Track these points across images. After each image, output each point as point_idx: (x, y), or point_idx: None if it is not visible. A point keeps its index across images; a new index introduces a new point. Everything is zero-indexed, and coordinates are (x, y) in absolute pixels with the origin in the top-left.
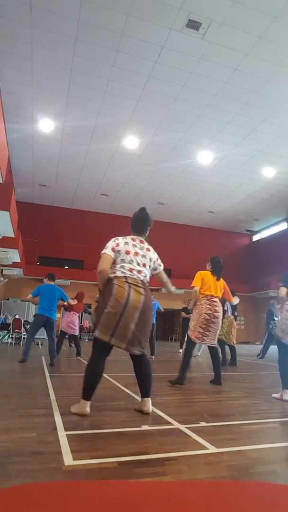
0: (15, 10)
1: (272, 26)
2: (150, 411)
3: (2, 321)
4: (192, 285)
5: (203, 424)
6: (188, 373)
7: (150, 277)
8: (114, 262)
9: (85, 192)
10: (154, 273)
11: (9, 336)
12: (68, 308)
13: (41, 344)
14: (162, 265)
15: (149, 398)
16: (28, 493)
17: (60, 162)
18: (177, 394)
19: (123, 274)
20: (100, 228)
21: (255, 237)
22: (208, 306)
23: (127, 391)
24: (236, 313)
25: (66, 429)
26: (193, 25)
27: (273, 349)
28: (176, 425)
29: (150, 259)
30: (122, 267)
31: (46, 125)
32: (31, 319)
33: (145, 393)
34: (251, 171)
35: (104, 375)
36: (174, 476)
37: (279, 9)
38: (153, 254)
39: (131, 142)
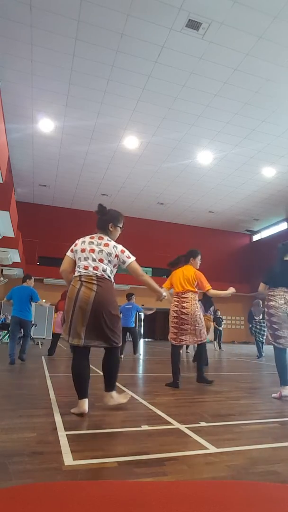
0: (15, 10)
1: (272, 26)
2: (109, 403)
3: (2, 321)
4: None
5: (203, 424)
6: (188, 373)
7: (116, 272)
8: (75, 263)
9: (85, 192)
10: (127, 268)
11: (9, 336)
12: (57, 308)
13: (41, 344)
14: (131, 257)
15: (110, 393)
16: (28, 493)
17: (60, 162)
18: (177, 394)
19: (78, 273)
20: None
21: (255, 237)
22: (175, 303)
23: (127, 391)
24: (210, 311)
25: (66, 429)
26: (193, 25)
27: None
28: (176, 425)
29: (109, 254)
30: (79, 266)
31: (46, 125)
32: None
33: (106, 387)
34: (251, 171)
35: None
36: (174, 476)
37: (279, 9)
38: (113, 249)
39: (131, 142)
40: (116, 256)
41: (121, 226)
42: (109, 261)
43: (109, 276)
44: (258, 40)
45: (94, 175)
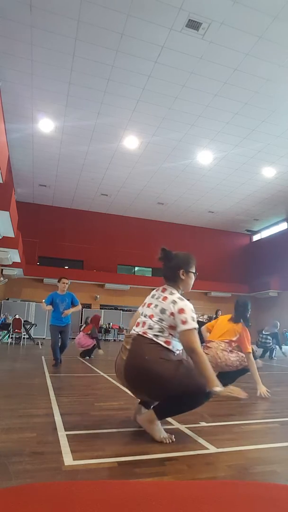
0: (15, 10)
1: (272, 26)
2: (139, 420)
3: (2, 321)
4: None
5: (203, 424)
6: None
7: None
8: None
9: (85, 192)
10: (178, 334)
11: (9, 336)
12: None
13: (42, 344)
14: (189, 323)
15: (153, 412)
16: (28, 493)
17: (60, 162)
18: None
19: (131, 332)
20: (100, 228)
21: (255, 237)
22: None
23: (127, 391)
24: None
25: (66, 429)
26: (193, 25)
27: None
28: (176, 425)
29: (163, 310)
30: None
31: (46, 125)
32: (31, 319)
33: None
34: (251, 171)
35: (104, 375)
36: (174, 476)
37: (279, 9)
38: (170, 305)
39: (131, 142)
40: (172, 314)
41: (194, 271)
42: (161, 319)
43: (155, 336)
44: (258, 40)
45: (94, 175)
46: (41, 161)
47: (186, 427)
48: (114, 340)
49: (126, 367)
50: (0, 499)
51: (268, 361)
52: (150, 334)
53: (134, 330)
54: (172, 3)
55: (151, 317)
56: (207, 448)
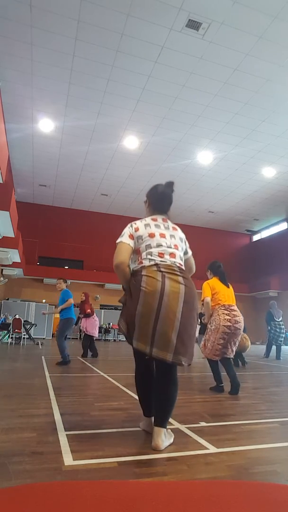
0: (15, 10)
1: (272, 26)
2: (161, 447)
3: (2, 321)
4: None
5: (203, 424)
6: (188, 373)
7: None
8: (138, 252)
9: (85, 192)
10: (184, 258)
11: (9, 336)
12: (84, 311)
13: (42, 344)
14: (190, 250)
15: (162, 429)
16: (28, 493)
17: (60, 162)
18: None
19: (152, 262)
20: (100, 228)
21: (255, 237)
22: (227, 317)
23: (127, 391)
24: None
25: (66, 429)
26: (193, 25)
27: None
28: (176, 425)
29: (181, 239)
30: (150, 253)
31: (46, 125)
32: (31, 319)
33: (157, 421)
34: (251, 171)
35: (104, 375)
36: (174, 476)
37: (279, 9)
38: (182, 233)
39: (131, 142)
40: (185, 242)
41: None
42: (182, 248)
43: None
44: (258, 40)
45: (94, 175)
46: (41, 161)
47: (186, 427)
48: (114, 340)
49: (187, 298)
50: (0, 499)
51: (274, 361)
52: (183, 266)
53: (164, 259)
54: (172, 3)
55: (176, 247)
56: (207, 448)
